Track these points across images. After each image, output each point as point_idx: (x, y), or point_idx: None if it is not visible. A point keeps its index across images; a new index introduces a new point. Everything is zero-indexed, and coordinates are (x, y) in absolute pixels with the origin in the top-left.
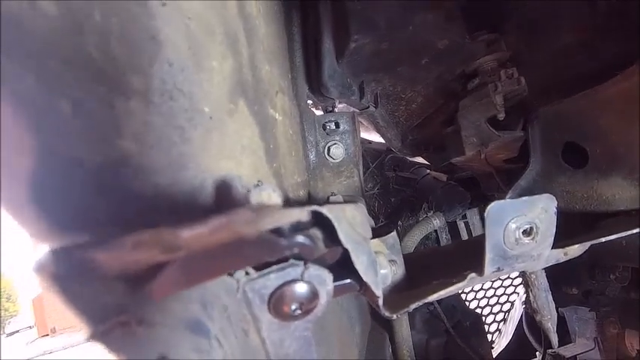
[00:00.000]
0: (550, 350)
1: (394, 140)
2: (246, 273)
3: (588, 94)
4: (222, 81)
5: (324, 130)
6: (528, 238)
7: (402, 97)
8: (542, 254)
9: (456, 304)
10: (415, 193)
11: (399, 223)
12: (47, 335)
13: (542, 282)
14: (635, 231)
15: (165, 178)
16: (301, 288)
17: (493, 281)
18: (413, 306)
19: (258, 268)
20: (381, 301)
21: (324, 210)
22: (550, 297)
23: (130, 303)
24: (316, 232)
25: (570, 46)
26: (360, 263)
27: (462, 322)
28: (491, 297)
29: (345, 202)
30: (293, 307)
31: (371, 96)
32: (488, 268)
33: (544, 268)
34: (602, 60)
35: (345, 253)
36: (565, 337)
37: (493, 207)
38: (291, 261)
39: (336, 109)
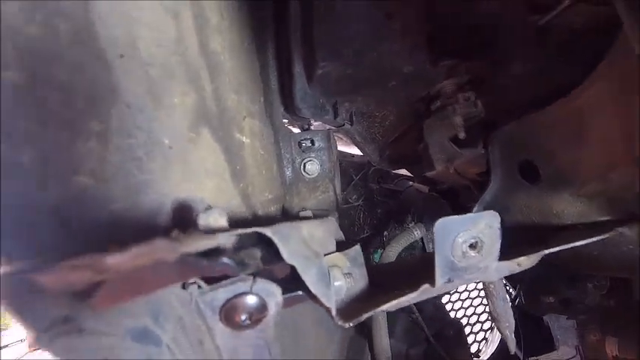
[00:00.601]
0: (533, 358)
1: (372, 154)
2: (199, 287)
3: (537, 116)
4: (182, 114)
5: (300, 147)
6: (474, 251)
7: (376, 115)
8: (489, 266)
9: (438, 313)
10: (399, 205)
11: (385, 233)
12: (38, 349)
13: (500, 292)
14: (578, 243)
15: (122, 204)
16: (250, 300)
17: (480, 290)
18: (365, 315)
19: (210, 282)
20: (333, 311)
21: (267, 231)
22: (508, 305)
23: (74, 315)
24: (255, 252)
25: (527, 72)
26: (308, 277)
27: (444, 331)
28: (478, 306)
29: (315, 216)
30: (243, 317)
31: (346, 114)
32: (439, 279)
33: (506, 278)
34: (557, 85)
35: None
36: (548, 344)
37: (441, 223)
38: (242, 275)
39: (312, 127)
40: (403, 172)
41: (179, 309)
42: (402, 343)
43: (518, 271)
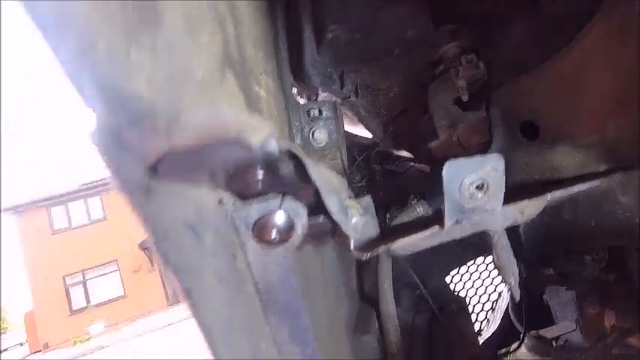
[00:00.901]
0: (533, 332)
1: (376, 130)
2: (233, 204)
3: (534, 73)
4: (212, 53)
5: (309, 116)
6: (481, 192)
7: (380, 88)
8: (495, 209)
9: (442, 290)
10: (401, 185)
11: (387, 215)
12: (39, 351)
13: (504, 242)
14: (578, 187)
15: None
16: (280, 218)
17: (481, 273)
18: (381, 249)
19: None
20: (351, 241)
21: (297, 150)
22: (512, 256)
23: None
24: (289, 165)
25: (525, 40)
26: (330, 202)
27: (448, 306)
28: (480, 287)
29: None
30: (273, 234)
31: (352, 86)
32: (448, 220)
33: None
34: (557, 48)
35: (319, 197)
36: (548, 319)
37: (449, 165)
38: (271, 194)
39: (319, 99)
40: (404, 155)
41: (217, 221)
42: (408, 312)
43: (521, 222)
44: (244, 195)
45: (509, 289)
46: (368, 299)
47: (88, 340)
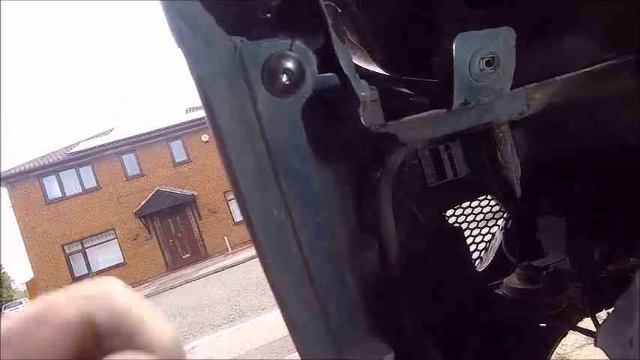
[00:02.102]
0: (525, 263)
1: (378, 52)
2: (241, 40)
3: None
4: None
5: None
6: (491, 68)
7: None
8: (504, 89)
9: (438, 219)
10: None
11: None
12: None
13: (507, 138)
14: (586, 70)
15: None
16: (290, 60)
17: (476, 215)
18: (389, 123)
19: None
20: (361, 107)
21: None
22: (515, 152)
23: None
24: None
25: None
26: (343, 56)
27: (444, 231)
28: (474, 229)
29: None
30: (284, 78)
31: None
32: (456, 99)
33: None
34: None
35: (326, 51)
36: (539, 251)
37: (460, 37)
38: (280, 35)
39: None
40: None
41: (225, 63)
42: (405, 237)
43: (526, 114)
44: (253, 36)
45: (509, 183)
46: (367, 226)
47: None
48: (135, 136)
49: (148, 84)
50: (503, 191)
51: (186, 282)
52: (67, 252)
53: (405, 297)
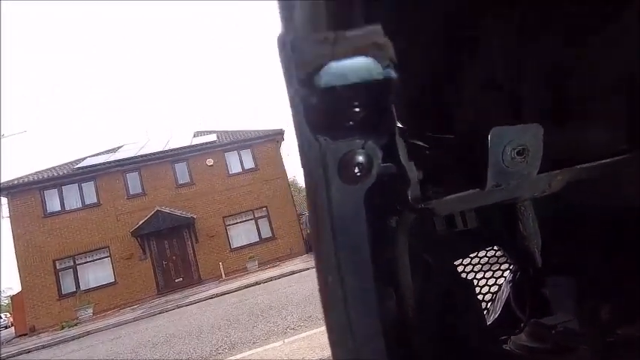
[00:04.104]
0: (533, 320)
1: (402, 111)
2: (325, 139)
3: None
4: None
5: None
6: (521, 157)
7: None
8: (531, 174)
9: (452, 271)
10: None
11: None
12: (25, 335)
13: (530, 212)
14: (604, 161)
15: None
16: (362, 155)
17: (483, 265)
18: (433, 202)
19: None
20: (411, 188)
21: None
22: (537, 226)
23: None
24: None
25: None
26: (401, 152)
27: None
28: (481, 279)
29: None
30: (355, 170)
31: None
32: (490, 181)
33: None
34: None
35: (389, 146)
36: (547, 310)
37: (495, 131)
38: (357, 134)
39: None
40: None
41: (310, 152)
42: (420, 286)
43: (547, 192)
44: (335, 137)
45: (509, 281)
46: (384, 272)
47: (76, 325)
48: (141, 156)
49: (160, 105)
50: (524, 260)
51: (177, 307)
52: (58, 267)
53: (419, 346)
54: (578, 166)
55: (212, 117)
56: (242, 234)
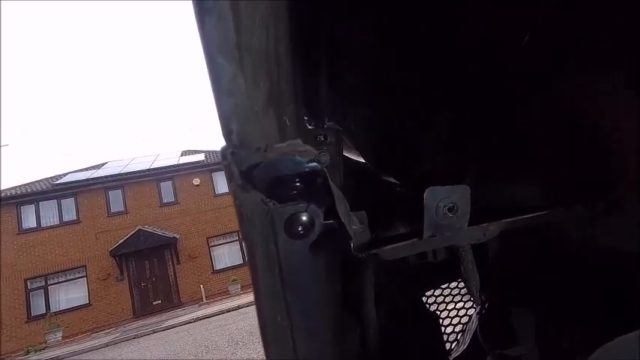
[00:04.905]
0: (497, 351)
1: (370, 157)
2: (273, 203)
3: None
4: (264, 94)
5: (316, 140)
6: (452, 213)
7: (376, 124)
8: (462, 227)
9: (417, 303)
10: (388, 206)
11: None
12: None
13: (469, 257)
14: (534, 215)
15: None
16: (305, 217)
17: (454, 296)
18: (374, 250)
19: (280, 201)
20: (353, 240)
21: (323, 170)
22: (475, 270)
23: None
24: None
25: None
26: (341, 207)
27: (422, 317)
28: (452, 310)
29: None
30: (299, 228)
31: (353, 119)
32: (425, 233)
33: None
34: None
35: (331, 207)
36: (511, 339)
37: (429, 191)
38: (300, 200)
39: (325, 126)
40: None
41: (260, 215)
42: (384, 320)
43: (484, 240)
44: (282, 199)
45: (478, 312)
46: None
47: (43, 349)
48: (126, 174)
49: (146, 123)
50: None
51: (154, 332)
52: (29, 287)
53: None
54: (509, 219)
55: (200, 138)
56: (226, 255)
